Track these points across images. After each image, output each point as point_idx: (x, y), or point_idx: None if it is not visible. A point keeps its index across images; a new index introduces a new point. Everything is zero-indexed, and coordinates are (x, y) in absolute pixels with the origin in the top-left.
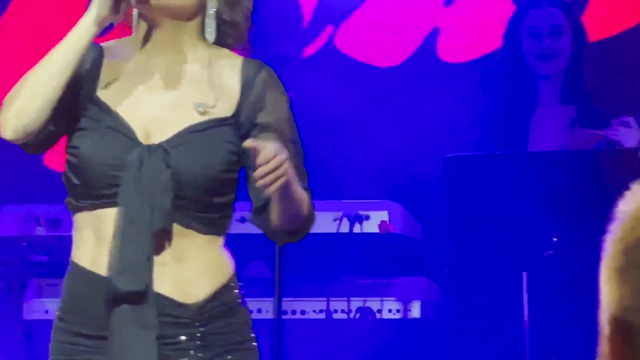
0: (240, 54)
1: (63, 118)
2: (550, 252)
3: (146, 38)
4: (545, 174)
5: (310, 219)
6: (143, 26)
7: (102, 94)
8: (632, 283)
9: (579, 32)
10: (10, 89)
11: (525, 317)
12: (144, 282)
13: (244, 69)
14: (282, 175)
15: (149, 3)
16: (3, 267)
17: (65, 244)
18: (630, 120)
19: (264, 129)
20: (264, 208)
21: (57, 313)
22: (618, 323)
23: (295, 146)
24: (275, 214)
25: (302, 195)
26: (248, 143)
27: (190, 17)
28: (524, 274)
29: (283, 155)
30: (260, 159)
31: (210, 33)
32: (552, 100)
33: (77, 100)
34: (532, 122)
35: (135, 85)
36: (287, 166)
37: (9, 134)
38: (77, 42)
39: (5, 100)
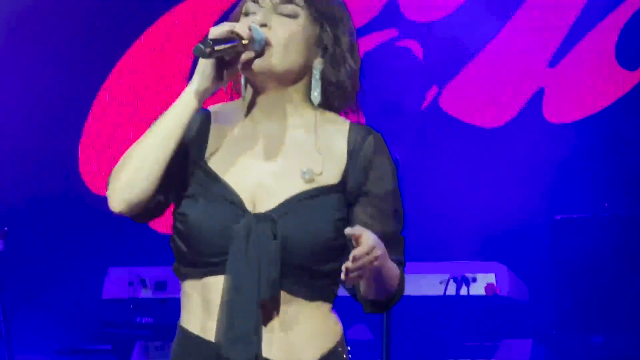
0: (349, 115)
1: (171, 187)
2: None
3: (252, 103)
4: None
5: (400, 292)
6: (250, 91)
7: (210, 161)
8: None
9: None
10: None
11: None
12: (253, 352)
13: (352, 134)
14: (371, 269)
15: (254, 70)
16: (110, 329)
17: (171, 307)
18: None
19: (366, 197)
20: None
21: None
22: None
23: (397, 216)
24: (363, 286)
25: (392, 272)
26: (348, 230)
27: (295, 81)
28: None
29: (378, 251)
30: (356, 252)
31: (316, 97)
32: None
33: (185, 167)
34: None
35: (243, 152)
36: (379, 262)
37: (116, 208)
38: (180, 115)
39: (111, 174)
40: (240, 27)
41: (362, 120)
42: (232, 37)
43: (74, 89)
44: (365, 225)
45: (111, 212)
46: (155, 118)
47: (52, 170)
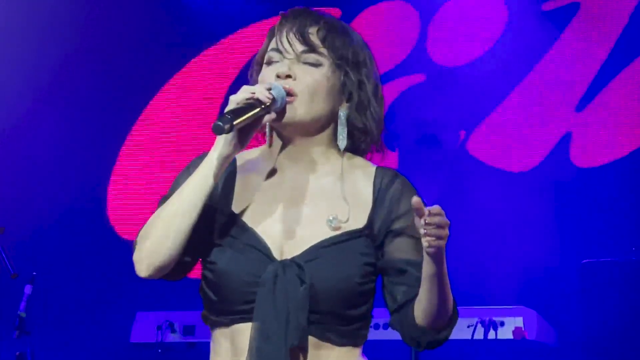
0: (374, 158)
1: (198, 247)
2: None
3: (278, 150)
4: None
5: (453, 320)
6: (276, 139)
7: (237, 209)
8: None
9: None
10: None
11: None
12: None
13: (377, 178)
14: (443, 237)
15: (281, 121)
16: None
17: (199, 350)
18: None
19: (399, 234)
20: (401, 307)
21: None
22: None
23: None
24: (420, 309)
25: (449, 290)
26: (414, 200)
27: (321, 128)
28: None
29: (447, 220)
30: (430, 210)
31: (342, 141)
32: None
33: (213, 216)
34: None
35: (269, 200)
36: (448, 232)
37: (143, 273)
38: (203, 184)
39: (137, 239)
40: (260, 91)
41: (387, 159)
42: (253, 103)
43: (102, 134)
44: (407, 255)
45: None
46: (181, 166)
47: (81, 216)
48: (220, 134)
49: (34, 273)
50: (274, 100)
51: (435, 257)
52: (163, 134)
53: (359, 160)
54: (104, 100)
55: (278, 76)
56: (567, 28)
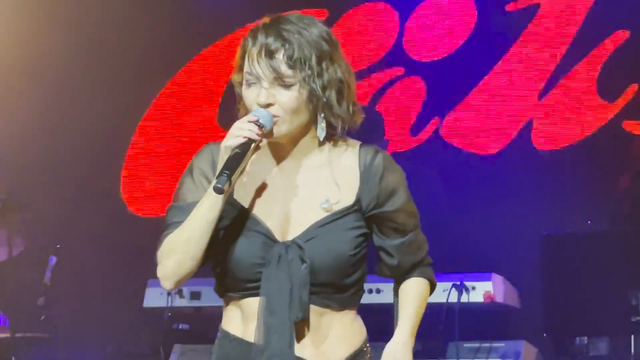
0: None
1: (211, 243)
2: (637, 318)
3: (273, 149)
4: (630, 248)
5: (432, 289)
6: (269, 143)
7: (241, 199)
8: None
9: None
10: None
11: None
12: None
13: (361, 156)
14: None
15: (269, 137)
16: (150, 334)
17: (204, 314)
18: None
19: (387, 215)
20: (396, 276)
21: None
22: None
23: (415, 218)
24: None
25: (424, 306)
26: None
27: (305, 130)
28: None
29: None
30: None
31: (322, 134)
32: None
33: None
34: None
35: (268, 189)
36: None
37: (169, 287)
38: (213, 207)
39: (159, 256)
40: (250, 129)
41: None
42: (246, 143)
43: (118, 121)
44: (389, 238)
45: (148, 232)
46: (185, 152)
47: (99, 195)
48: (222, 193)
49: (58, 246)
50: (263, 128)
51: None
52: (171, 121)
53: (342, 143)
54: (119, 90)
55: (259, 105)
56: (529, 26)
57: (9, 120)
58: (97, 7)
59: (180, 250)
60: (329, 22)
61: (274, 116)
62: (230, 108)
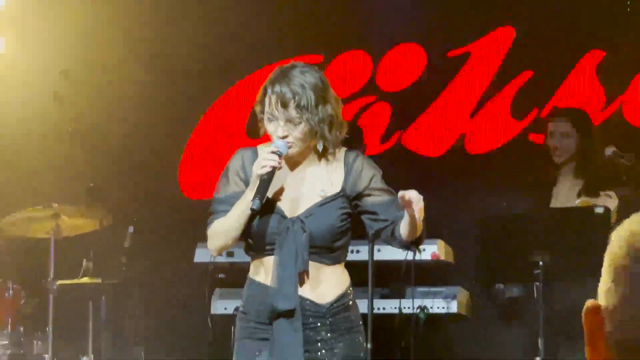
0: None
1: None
2: (538, 271)
3: (285, 159)
4: (533, 224)
5: (423, 236)
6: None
7: None
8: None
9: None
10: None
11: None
12: (293, 304)
13: (346, 158)
14: (422, 206)
15: (286, 156)
16: (199, 281)
17: (236, 267)
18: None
19: (369, 191)
20: (380, 232)
21: (240, 309)
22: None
23: (391, 193)
24: (405, 231)
25: (421, 226)
26: (401, 194)
27: (308, 147)
28: (535, 284)
29: (421, 197)
30: (416, 198)
31: (320, 147)
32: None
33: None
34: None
35: (281, 180)
36: (423, 203)
37: (214, 255)
38: (244, 212)
39: (209, 234)
40: (273, 159)
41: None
42: (272, 170)
43: (176, 127)
44: (372, 207)
45: (197, 209)
46: (231, 148)
47: (162, 180)
48: (258, 209)
49: (135, 219)
50: (282, 155)
51: (416, 215)
52: (222, 122)
53: (332, 150)
54: (180, 101)
55: (278, 137)
56: (463, 66)
57: (95, 128)
58: (164, 26)
59: (222, 237)
60: (323, 64)
61: (288, 142)
62: (252, 122)
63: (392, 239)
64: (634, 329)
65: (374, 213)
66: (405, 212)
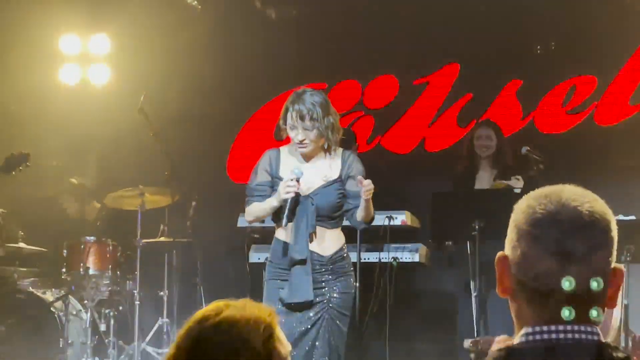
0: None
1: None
2: (474, 233)
3: (301, 154)
4: (467, 201)
5: (372, 218)
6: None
7: (282, 175)
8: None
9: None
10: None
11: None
12: (305, 255)
13: (343, 155)
14: (370, 193)
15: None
16: (240, 240)
17: (267, 230)
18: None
19: (353, 177)
20: (351, 216)
21: (268, 258)
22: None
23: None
24: (360, 216)
25: (372, 209)
26: (360, 178)
27: (318, 146)
28: (468, 243)
29: (372, 185)
30: (367, 184)
31: (325, 147)
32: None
33: (274, 182)
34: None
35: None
36: (373, 190)
37: (250, 222)
38: (273, 205)
39: (247, 210)
40: (294, 186)
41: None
42: (297, 192)
43: (227, 126)
44: (351, 191)
45: (238, 189)
46: (268, 145)
47: (216, 166)
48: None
49: (196, 196)
50: (299, 179)
51: (369, 199)
52: (265, 123)
53: (334, 149)
54: (238, 97)
55: (298, 140)
56: (424, 91)
57: (168, 133)
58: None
59: (254, 215)
60: (327, 89)
61: (304, 143)
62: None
63: (352, 220)
64: (528, 270)
65: (345, 197)
66: (362, 199)
